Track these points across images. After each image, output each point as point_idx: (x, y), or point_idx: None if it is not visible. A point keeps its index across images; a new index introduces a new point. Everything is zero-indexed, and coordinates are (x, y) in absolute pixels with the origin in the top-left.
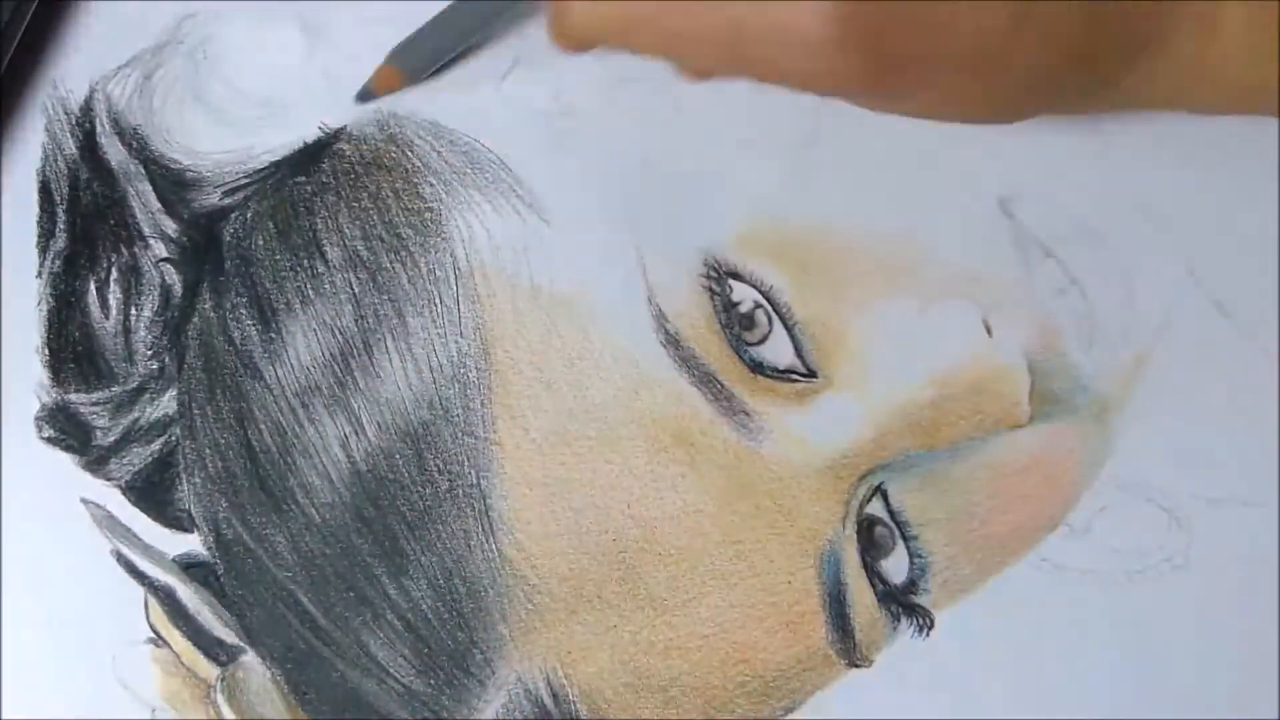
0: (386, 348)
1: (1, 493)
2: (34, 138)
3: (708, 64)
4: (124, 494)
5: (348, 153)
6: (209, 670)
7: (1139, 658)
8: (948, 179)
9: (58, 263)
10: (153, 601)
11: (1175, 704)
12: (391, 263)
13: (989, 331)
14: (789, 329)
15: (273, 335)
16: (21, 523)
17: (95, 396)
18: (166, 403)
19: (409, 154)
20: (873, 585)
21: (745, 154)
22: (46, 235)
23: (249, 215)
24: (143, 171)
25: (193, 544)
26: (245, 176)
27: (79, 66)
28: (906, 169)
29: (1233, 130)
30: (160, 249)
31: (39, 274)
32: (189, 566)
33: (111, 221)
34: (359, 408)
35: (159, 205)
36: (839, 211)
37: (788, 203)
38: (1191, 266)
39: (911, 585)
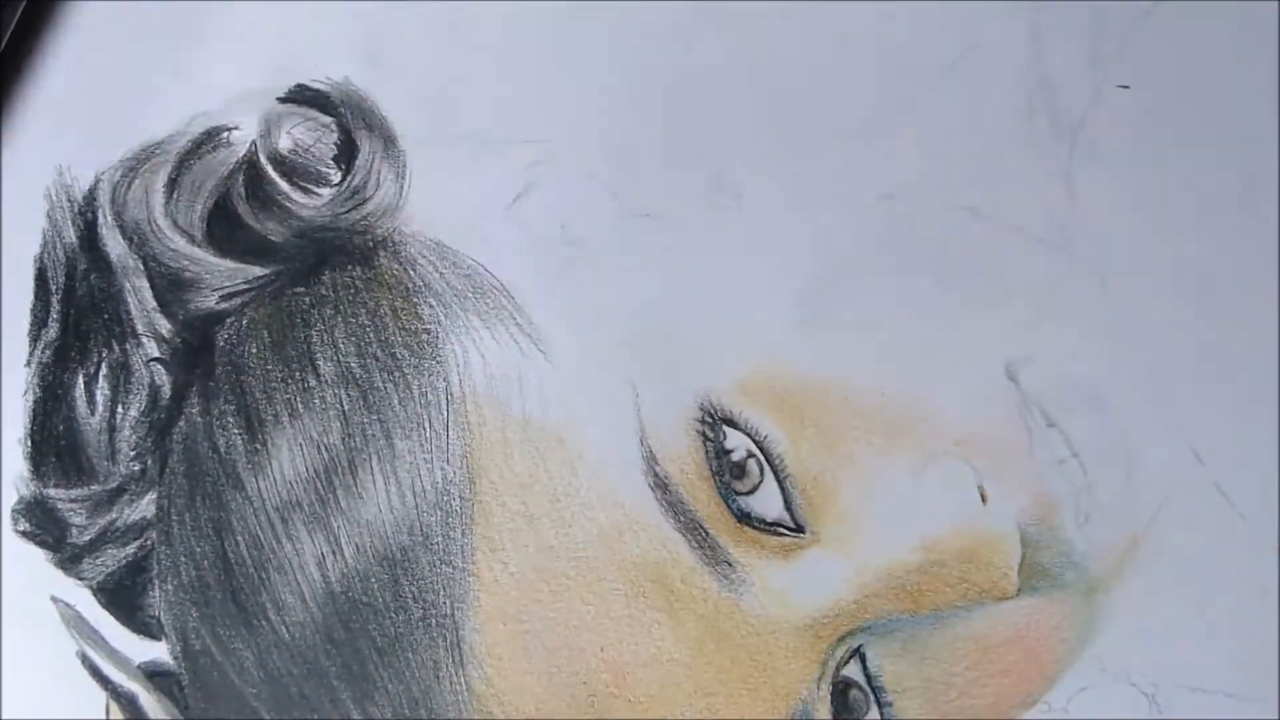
0: (371, 468)
1: None
2: (35, 222)
3: None
4: (94, 595)
5: (349, 266)
6: None
7: None
8: (956, 340)
9: (48, 353)
10: (114, 707)
11: None
12: (384, 382)
13: (983, 498)
14: (780, 481)
15: (258, 446)
16: None
17: (74, 494)
18: (145, 506)
19: (411, 272)
20: None
21: (751, 299)
22: (39, 324)
23: (244, 322)
24: (141, 267)
25: (160, 651)
26: (244, 282)
27: (86, 154)
28: (915, 327)
29: (1242, 321)
30: (152, 348)
31: (28, 362)
32: (154, 675)
33: (105, 315)
34: (338, 527)
35: (155, 304)
36: (842, 364)
37: (791, 351)
38: (1196, 447)
39: None
